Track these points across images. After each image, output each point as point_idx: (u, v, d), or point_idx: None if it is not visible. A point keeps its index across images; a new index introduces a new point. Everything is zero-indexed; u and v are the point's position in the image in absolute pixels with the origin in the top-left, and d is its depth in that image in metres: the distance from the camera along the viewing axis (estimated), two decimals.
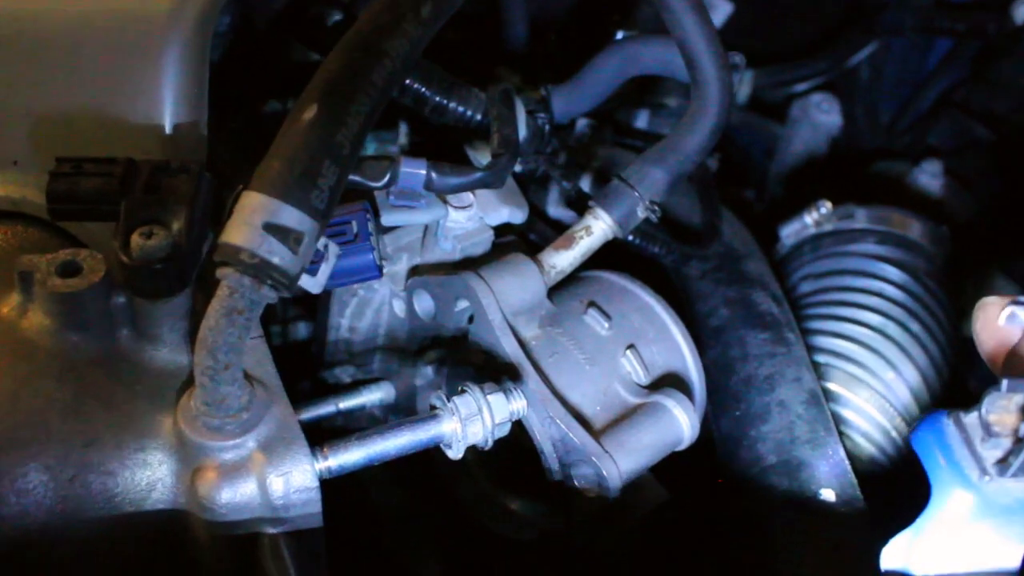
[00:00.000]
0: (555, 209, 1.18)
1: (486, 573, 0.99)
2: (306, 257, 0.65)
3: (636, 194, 0.88)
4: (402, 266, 0.92)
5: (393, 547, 1.02)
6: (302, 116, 0.66)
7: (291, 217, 0.64)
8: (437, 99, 0.96)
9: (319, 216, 0.65)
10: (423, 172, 0.82)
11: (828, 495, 0.89)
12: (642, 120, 1.35)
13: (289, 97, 1.12)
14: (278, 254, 0.63)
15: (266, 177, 0.65)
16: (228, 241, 0.63)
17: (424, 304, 0.90)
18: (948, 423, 0.67)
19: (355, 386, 0.97)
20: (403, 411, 0.97)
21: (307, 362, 1.04)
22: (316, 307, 1.00)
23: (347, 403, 0.95)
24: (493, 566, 0.98)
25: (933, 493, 0.66)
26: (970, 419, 0.67)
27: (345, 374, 1.01)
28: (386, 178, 0.82)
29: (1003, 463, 0.64)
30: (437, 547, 1.01)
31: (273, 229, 0.63)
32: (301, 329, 1.10)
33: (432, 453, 0.77)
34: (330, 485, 0.95)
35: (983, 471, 0.64)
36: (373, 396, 0.96)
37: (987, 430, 0.65)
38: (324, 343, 0.99)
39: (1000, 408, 0.65)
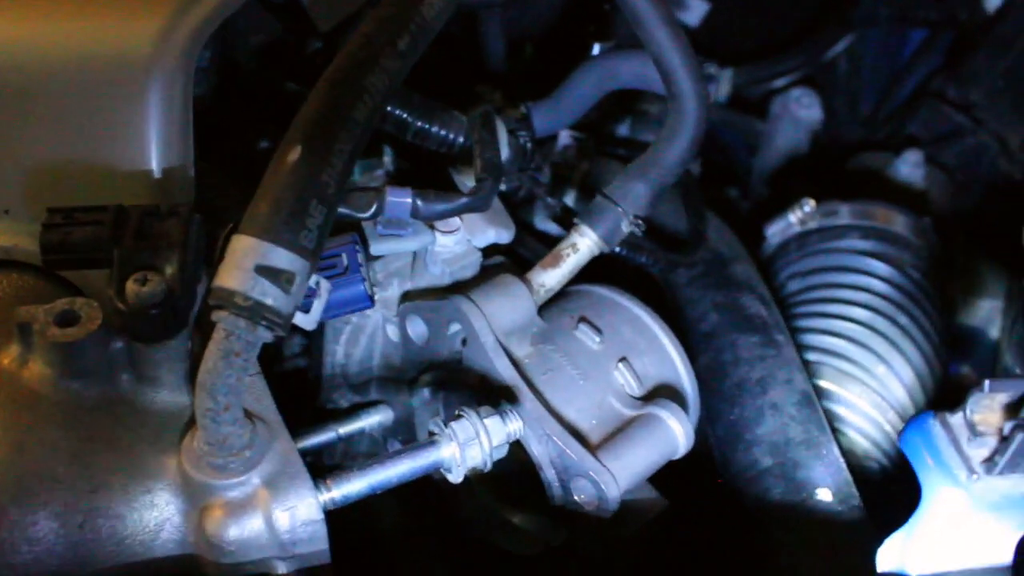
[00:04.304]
0: (543, 223, 1.20)
1: None
2: (298, 296, 0.67)
3: (620, 210, 0.90)
4: (393, 291, 0.94)
5: (396, 564, 1.03)
6: (287, 157, 0.67)
7: (281, 258, 0.65)
8: (419, 124, 0.97)
9: (309, 255, 0.66)
10: (409, 201, 0.83)
11: (824, 495, 0.91)
12: (624, 128, 1.37)
13: (273, 127, 1.13)
14: (271, 295, 0.65)
15: (255, 220, 0.66)
16: (221, 284, 0.65)
17: (417, 329, 0.91)
18: (935, 424, 0.69)
19: (353, 410, 0.99)
20: (401, 433, 0.98)
21: (305, 390, 1.05)
22: (311, 336, 1.01)
23: (346, 428, 0.96)
24: None
25: (923, 494, 0.68)
26: (956, 419, 0.68)
27: (343, 399, 1.02)
28: (373, 209, 0.83)
29: (989, 461, 0.66)
30: (440, 564, 1.02)
31: (264, 271, 0.65)
32: (298, 358, 1.11)
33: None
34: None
35: (971, 470, 0.66)
36: (372, 420, 0.98)
37: (972, 430, 0.67)
38: (321, 372, 1.00)
39: (984, 408, 0.66)
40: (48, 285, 0.82)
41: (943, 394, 1.18)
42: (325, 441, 0.95)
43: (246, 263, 0.65)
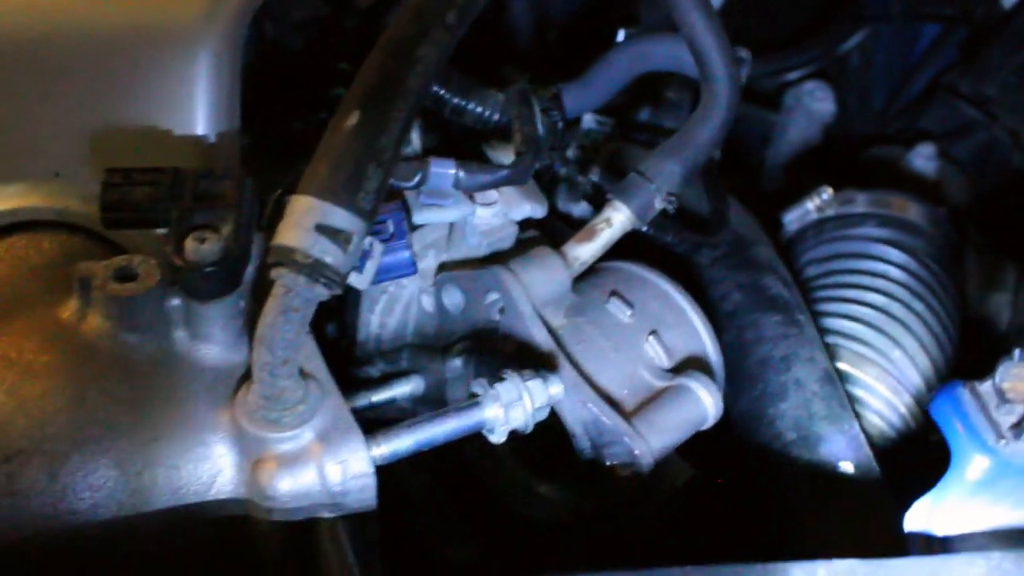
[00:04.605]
0: (564, 204, 1.22)
1: (516, 557, 1.03)
2: (355, 255, 0.69)
3: (653, 186, 0.92)
4: (430, 262, 0.96)
5: (422, 533, 1.05)
6: (346, 122, 0.70)
7: (340, 218, 0.67)
8: (456, 100, 0.99)
9: (366, 216, 0.69)
10: (452, 172, 0.86)
11: (846, 467, 0.93)
12: (645, 114, 1.39)
13: (310, 100, 1.15)
14: (330, 253, 0.67)
15: (315, 181, 0.68)
16: (282, 243, 0.67)
17: (453, 299, 0.93)
18: (964, 392, 0.72)
19: (385, 379, 1.00)
20: (432, 403, 1.00)
21: (335, 358, 1.07)
22: (345, 306, 1.03)
23: (379, 396, 0.98)
24: (523, 550, 1.01)
25: (953, 458, 0.70)
26: (985, 387, 0.71)
27: (374, 369, 1.04)
28: (417, 178, 0.85)
29: (1017, 427, 0.68)
30: (466, 532, 1.04)
31: (324, 230, 0.67)
32: (328, 327, 1.13)
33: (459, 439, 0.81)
34: None
35: (999, 435, 0.68)
36: (403, 389, 0.99)
37: (1001, 397, 0.69)
38: (355, 341, 1.02)
39: (1013, 376, 0.69)
40: (97, 247, 0.84)
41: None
42: (357, 408, 0.96)
43: (306, 222, 0.67)
